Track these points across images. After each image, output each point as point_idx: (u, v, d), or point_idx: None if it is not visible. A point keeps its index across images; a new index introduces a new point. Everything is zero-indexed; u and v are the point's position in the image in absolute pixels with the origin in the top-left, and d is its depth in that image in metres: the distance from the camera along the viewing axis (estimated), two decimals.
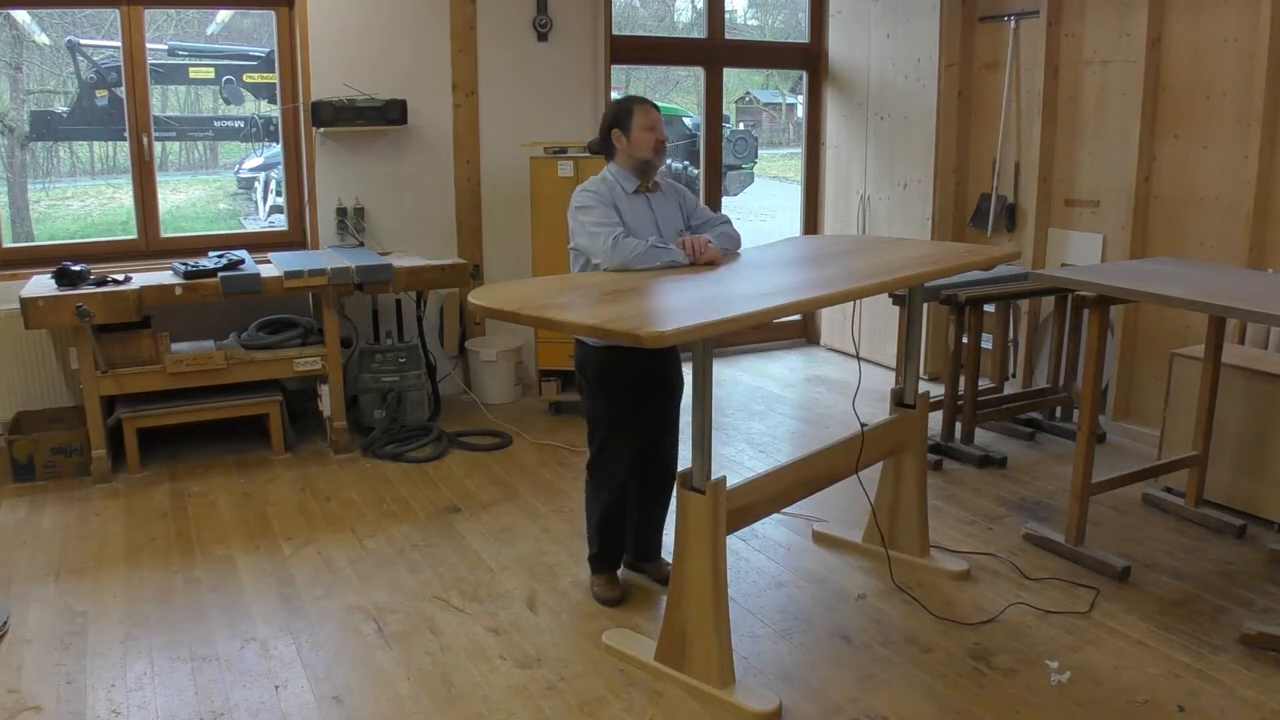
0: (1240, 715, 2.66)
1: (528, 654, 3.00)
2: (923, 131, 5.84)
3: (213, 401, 4.59)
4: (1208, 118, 4.49)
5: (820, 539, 3.78)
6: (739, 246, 3.39)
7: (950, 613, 3.21)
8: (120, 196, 7.13)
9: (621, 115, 3.18)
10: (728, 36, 6.49)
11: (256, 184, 9.33)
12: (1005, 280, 4.80)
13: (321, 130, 5.12)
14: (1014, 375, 5.34)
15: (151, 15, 5.09)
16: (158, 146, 5.13)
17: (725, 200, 7.92)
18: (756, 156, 14.53)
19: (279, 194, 6.35)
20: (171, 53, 6.31)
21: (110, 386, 4.36)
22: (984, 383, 4.90)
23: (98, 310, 4.17)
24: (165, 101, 7.00)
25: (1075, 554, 3.56)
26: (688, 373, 2.89)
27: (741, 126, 14.76)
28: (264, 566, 3.57)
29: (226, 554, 3.67)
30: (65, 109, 6.24)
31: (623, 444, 3.21)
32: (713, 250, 3.15)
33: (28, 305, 4.12)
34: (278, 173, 6.04)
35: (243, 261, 4.62)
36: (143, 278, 4.46)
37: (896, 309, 4.73)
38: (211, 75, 6.36)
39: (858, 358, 5.88)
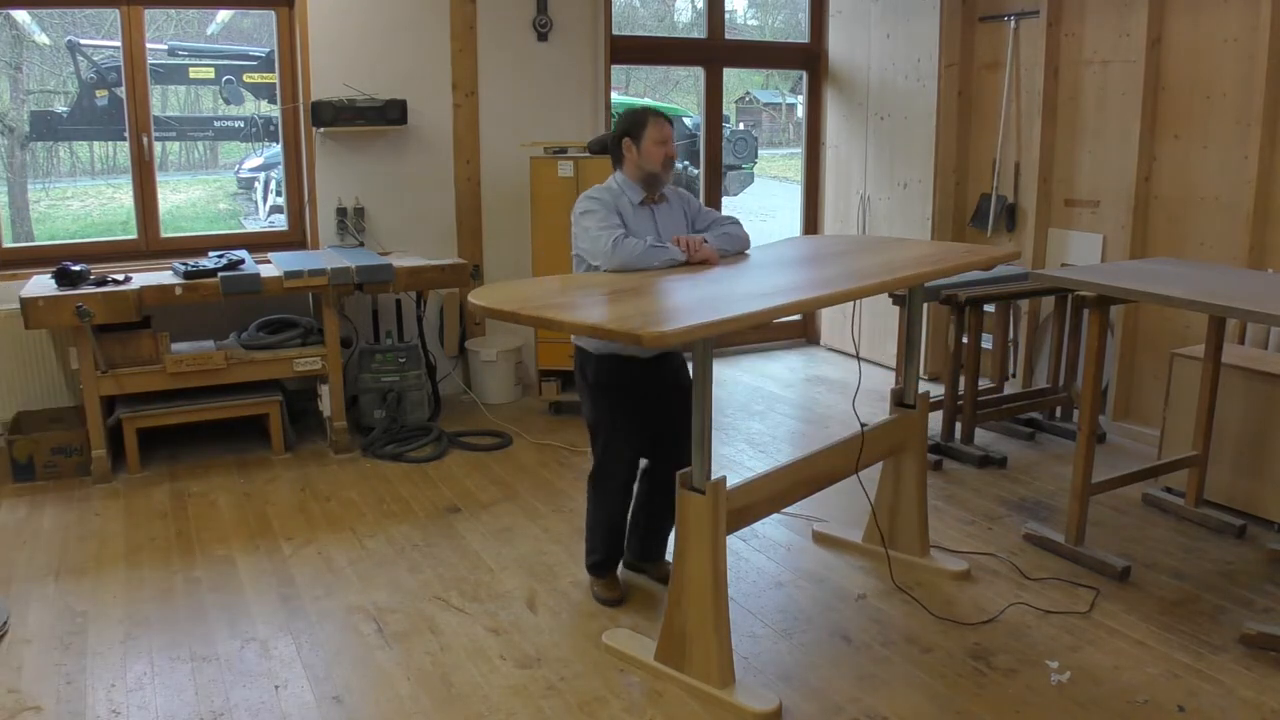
0: (1240, 715, 2.66)
1: (528, 654, 3.00)
2: (923, 131, 5.84)
3: (213, 401, 4.59)
4: (1208, 118, 4.49)
5: (820, 539, 3.78)
6: (745, 247, 3.37)
7: (950, 613, 3.22)
8: (120, 196, 7.13)
9: (634, 125, 3.17)
10: (728, 36, 6.49)
11: (256, 184, 9.33)
12: (1005, 280, 4.80)
13: (321, 130, 5.12)
14: (1014, 375, 5.34)
15: (151, 15, 5.09)
16: (158, 146, 5.13)
17: (725, 200, 7.93)
18: (756, 156, 14.52)
19: (279, 194, 6.35)
20: (171, 53, 6.31)
21: (110, 386, 4.36)
22: (984, 383, 4.90)
23: (98, 310, 4.17)
24: (165, 101, 7.00)
25: (1075, 554, 3.56)
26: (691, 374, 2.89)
27: (741, 126, 14.75)
28: (264, 566, 3.57)
29: (226, 554, 3.67)
30: (65, 109, 6.24)
31: (624, 450, 3.20)
32: (707, 249, 3.15)
33: (28, 305, 4.12)
34: (278, 173, 6.04)
35: (243, 261, 4.62)
36: (143, 278, 4.46)
37: (896, 309, 4.73)
38: (211, 75, 6.36)
39: (858, 358, 5.88)
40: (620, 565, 3.45)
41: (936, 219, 5.83)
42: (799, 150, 7.13)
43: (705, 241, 3.17)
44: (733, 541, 3.55)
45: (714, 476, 2.71)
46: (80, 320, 4.13)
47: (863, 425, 3.29)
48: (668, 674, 2.84)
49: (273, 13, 5.17)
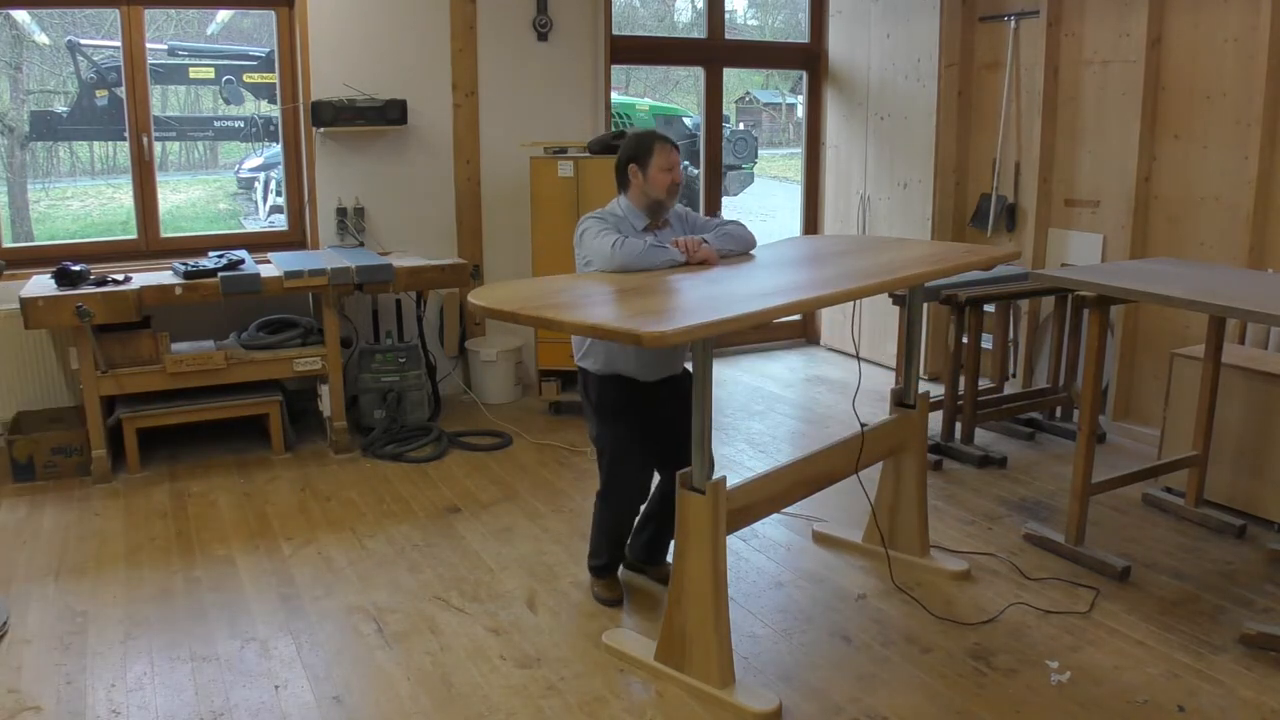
0: (1240, 715, 2.66)
1: (528, 654, 3.00)
2: (923, 131, 5.84)
3: (213, 401, 4.59)
4: (1208, 118, 4.49)
5: (820, 539, 3.78)
6: (748, 247, 3.36)
7: (950, 613, 3.22)
8: (120, 196, 7.13)
9: (641, 151, 3.14)
10: (728, 36, 6.49)
11: (256, 184, 9.33)
12: (1005, 280, 4.80)
13: (321, 130, 5.12)
14: (1014, 375, 5.34)
15: (151, 15, 5.09)
16: (158, 146, 5.13)
17: (725, 200, 7.92)
18: (756, 156, 14.51)
19: (279, 194, 6.35)
20: (171, 53, 6.31)
21: (110, 386, 4.36)
22: (984, 383, 4.90)
23: (98, 310, 4.17)
24: (165, 101, 7.00)
25: (1075, 554, 3.56)
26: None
27: (741, 126, 14.74)
28: (264, 566, 3.57)
29: (226, 554, 3.67)
30: (65, 109, 6.24)
31: (631, 468, 3.19)
32: (706, 250, 3.15)
33: (28, 305, 4.12)
34: (278, 173, 6.04)
35: (243, 261, 4.62)
36: (143, 278, 4.46)
37: (896, 309, 4.73)
38: (211, 75, 6.36)
39: (858, 358, 5.88)
40: (621, 566, 3.45)
41: (936, 219, 5.83)
42: (799, 150, 7.13)
43: (704, 243, 3.16)
44: (733, 541, 3.55)
45: (714, 476, 2.71)
46: (80, 320, 4.13)
47: (863, 425, 3.29)
48: (668, 674, 2.84)
49: (273, 13, 5.17)
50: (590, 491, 3.71)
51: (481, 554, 3.68)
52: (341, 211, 5.27)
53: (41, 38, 6.24)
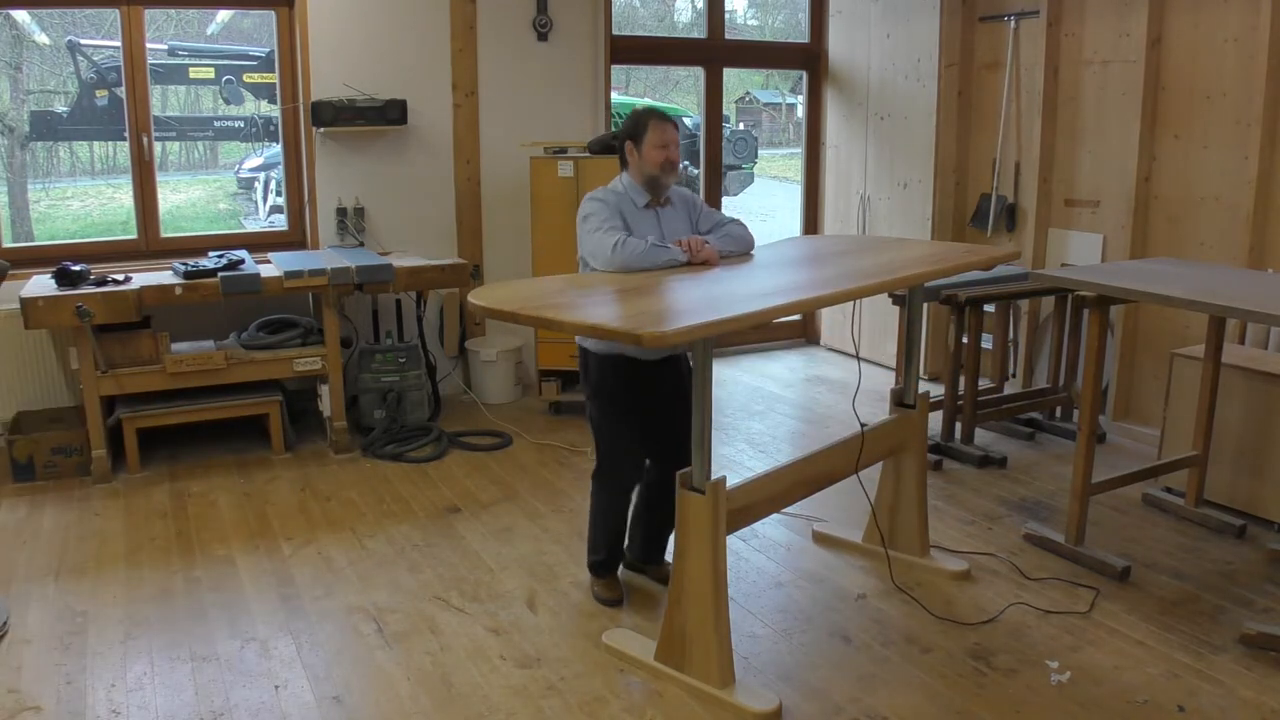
0: (1240, 715, 2.66)
1: (528, 654, 3.00)
2: (923, 131, 5.84)
3: (213, 401, 4.59)
4: (1208, 118, 4.49)
5: (820, 539, 3.78)
6: (748, 248, 3.36)
7: (950, 613, 3.21)
8: (120, 196, 7.13)
9: (637, 128, 3.15)
10: (728, 36, 6.49)
11: (256, 184, 9.32)
12: (1005, 280, 4.80)
13: (321, 130, 5.12)
14: (1014, 375, 5.34)
15: (151, 15, 5.09)
16: (158, 146, 5.13)
17: (725, 200, 7.92)
18: (756, 156, 14.52)
19: (279, 194, 6.35)
20: (171, 53, 6.30)
21: (110, 386, 4.36)
22: (984, 383, 4.90)
23: (98, 310, 4.17)
24: (165, 101, 7.00)
25: (1075, 554, 3.56)
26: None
27: (741, 126, 14.74)
28: (264, 566, 3.57)
29: (226, 554, 3.67)
30: (65, 109, 6.24)
31: (626, 450, 3.20)
32: (709, 250, 3.15)
33: (28, 305, 4.12)
34: (278, 173, 6.04)
35: (243, 261, 4.62)
36: (143, 278, 4.46)
37: (896, 309, 4.73)
38: (211, 75, 6.36)
39: (858, 358, 5.88)
40: (621, 566, 3.45)
41: (936, 219, 5.83)
42: (799, 150, 7.13)
43: (707, 243, 3.16)
44: (733, 541, 3.55)
45: (714, 476, 2.71)
46: (80, 320, 4.13)
47: (863, 425, 3.29)
48: (668, 674, 2.84)
49: (273, 13, 5.17)
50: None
51: (481, 554, 3.68)
52: (341, 211, 5.26)
53: (41, 38, 6.24)
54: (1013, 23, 5.39)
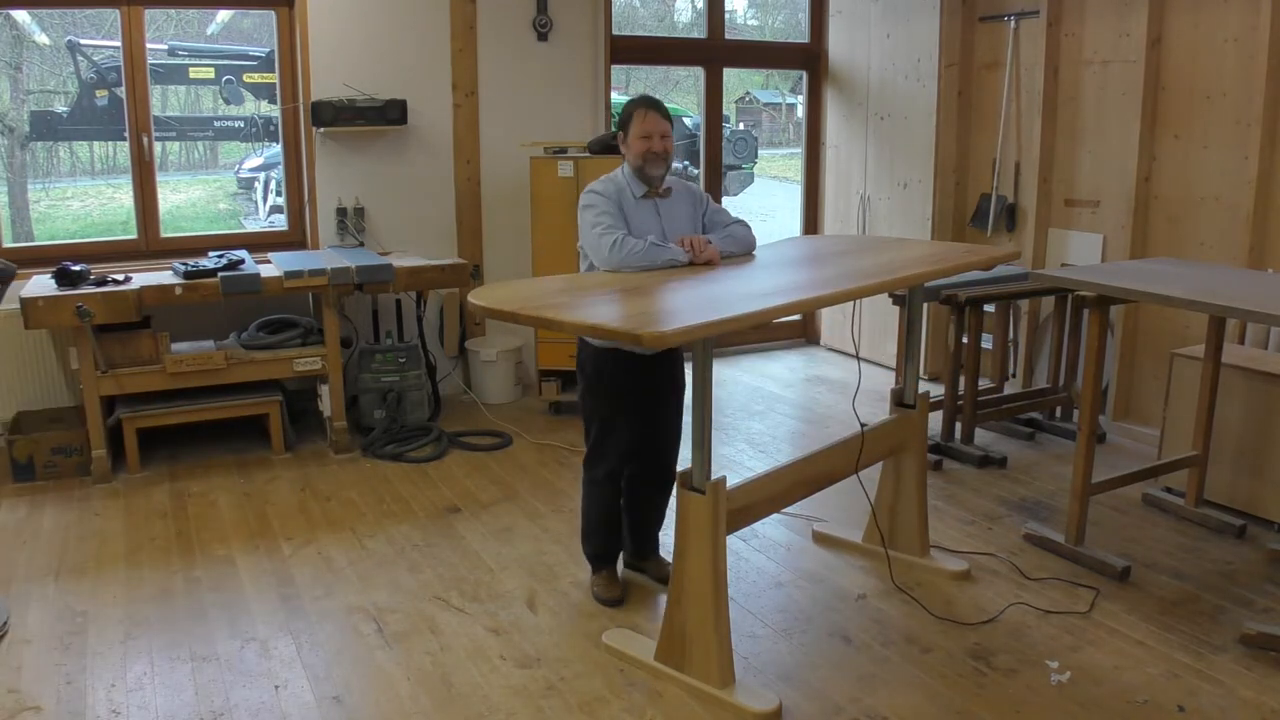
0: (1240, 715, 2.66)
1: (528, 654, 3.00)
2: (923, 131, 5.84)
3: (213, 401, 4.59)
4: (1208, 118, 4.49)
5: (820, 539, 3.78)
6: (750, 249, 3.36)
7: (950, 613, 3.21)
8: (120, 196, 7.13)
9: (624, 118, 3.16)
10: (728, 36, 6.49)
11: (256, 184, 9.33)
12: (1005, 280, 4.80)
13: (321, 130, 5.12)
14: (1014, 375, 5.34)
15: (151, 15, 5.09)
16: (158, 146, 5.13)
17: (725, 200, 7.92)
18: (756, 156, 14.52)
19: (279, 194, 6.35)
20: (171, 53, 6.30)
21: (110, 386, 4.36)
22: (984, 383, 4.90)
23: (98, 310, 4.17)
24: (165, 101, 7.00)
25: (1075, 554, 3.56)
26: (688, 373, 2.88)
27: (741, 126, 14.75)
28: (264, 566, 3.57)
29: (226, 554, 3.67)
30: (65, 109, 6.24)
31: (615, 441, 3.21)
32: (711, 250, 3.14)
33: (28, 305, 4.12)
34: (278, 173, 6.04)
35: (243, 261, 4.62)
36: (143, 278, 4.46)
37: (896, 309, 4.73)
38: (211, 75, 6.35)
39: (858, 358, 5.88)
40: (620, 565, 3.45)
41: (936, 219, 5.83)
42: (799, 150, 7.13)
43: (710, 242, 3.16)
44: (733, 541, 3.55)
45: (714, 476, 2.71)
46: (80, 320, 4.13)
47: (863, 425, 3.29)
48: (668, 674, 2.84)
49: (273, 13, 5.17)
50: None
51: (481, 554, 3.68)
52: (341, 211, 5.26)
53: (41, 38, 6.23)
54: (1013, 23, 5.39)
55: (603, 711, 2.71)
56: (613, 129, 5.80)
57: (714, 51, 6.40)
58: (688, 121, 11.37)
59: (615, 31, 5.84)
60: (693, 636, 2.79)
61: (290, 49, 5.17)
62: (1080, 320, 4.75)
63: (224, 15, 6.26)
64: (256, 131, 7.02)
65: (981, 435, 4.81)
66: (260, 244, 5.26)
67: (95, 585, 3.42)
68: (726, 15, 6.46)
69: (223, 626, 3.15)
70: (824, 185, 6.73)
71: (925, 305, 4.31)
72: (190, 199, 9.46)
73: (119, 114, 5.13)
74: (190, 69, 6.36)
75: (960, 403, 4.65)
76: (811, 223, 6.86)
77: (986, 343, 4.90)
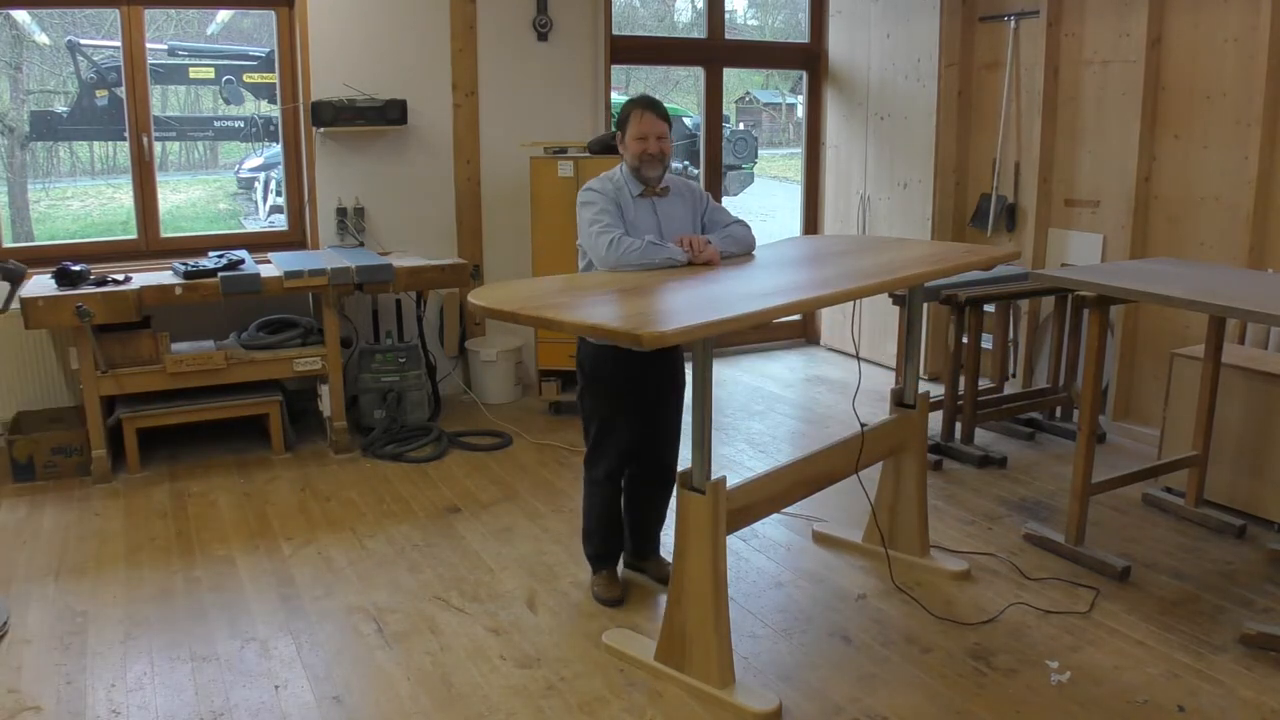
0: (1240, 715, 2.66)
1: (528, 654, 3.00)
2: (923, 131, 5.84)
3: (213, 401, 4.59)
4: (1208, 118, 4.49)
5: (820, 539, 3.78)
6: (749, 249, 3.35)
7: (950, 613, 3.21)
8: (120, 196, 7.13)
9: (623, 119, 3.16)
10: (728, 36, 6.49)
11: (256, 184, 9.33)
12: (1005, 280, 4.80)
13: (321, 130, 5.12)
14: (1014, 375, 5.34)
15: (151, 15, 5.09)
16: (158, 146, 5.13)
17: (725, 200, 7.92)
18: (756, 156, 14.52)
19: (279, 194, 6.34)
20: (171, 53, 6.30)
21: (110, 386, 4.36)
22: (984, 383, 4.90)
23: (98, 310, 4.17)
24: (165, 101, 7.00)
25: (1075, 554, 3.56)
26: (688, 373, 2.89)
27: (741, 126, 14.75)
28: (264, 566, 3.57)
29: (226, 554, 3.67)
30: (65, 109, 6.24)
31: (615, 440, 3.21)
32: (711, 250, 3.14)
33: (28, 305, 4.12)
34: (278, 173, 6.04)
35: (243, 261, 4.62)
36: (143, 278, 4.46)
37: (896, 309, 4.73)
38: (211, 75, 6.35)
39: (858, 358, 5.88)
40: (621, 565, 3.45)
41: (936, 219, 5.83)
42: (799, 150, 7.13)
43: (709, 242, 3.16)
44: (733, 541, 3.55)
45: (714, 476, 2.71)
46: (80, 320, 4.13)
47: (863, 425, 3.29)
48: (668, 674, 2.84)
49: (273, 13, 5.17)
50: None
51: (481, 554, 3.68)
52: (341, 211, 5.27)
53: (41, 38, 6.23)
54: (1013, 23, 5.39)
55: (603, 711, 2.71)
56: (612, 129, 5.81)
57: (714, 51, 6.40)
58: (688, 121, 11.37)
59: (615, 31, 5.84)
60: (693, 636, 2.79)
61: (290, 49, 5.17)
62: (1080, 320, 4.75)
63: (224, 15, 6.26)
64: (256, 131, 7.02)
65: (981, 435, 4.81)
66: (260, 244, 5.26)
67: (95, 585, 3.42)
68: (726, 15, 6.46)
69: (223, 626, 3.15)
70: (824, 185, 6.73)
71: (925, 305, 4.31)
72: (190, 199, 9.46)
73: (119, 114, 5.13)
74: (190, 69, 6.36)
75: (960, 403, 4.65)
76: (811, 223, 6.86)
77: (986, 343, 4.90)
